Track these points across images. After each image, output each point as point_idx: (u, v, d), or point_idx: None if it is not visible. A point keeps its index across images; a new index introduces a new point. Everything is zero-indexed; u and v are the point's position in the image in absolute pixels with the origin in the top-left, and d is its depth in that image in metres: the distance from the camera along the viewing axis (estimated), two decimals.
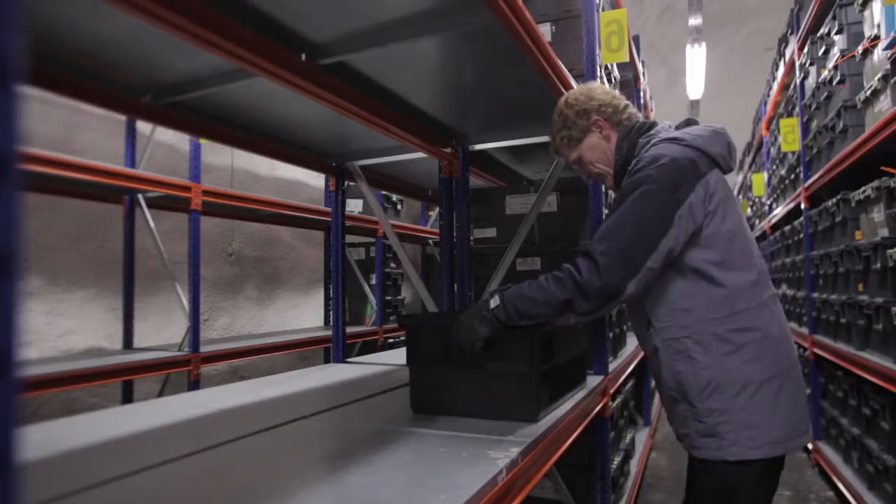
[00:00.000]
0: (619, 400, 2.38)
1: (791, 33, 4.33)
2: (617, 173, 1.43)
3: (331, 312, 2.55)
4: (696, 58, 8.79)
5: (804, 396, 1.29)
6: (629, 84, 3.96)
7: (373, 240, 4.60)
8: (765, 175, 6.01)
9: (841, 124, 2.93)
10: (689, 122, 1.39)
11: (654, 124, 1.40)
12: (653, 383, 4.31)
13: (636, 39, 4.07)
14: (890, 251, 2.19)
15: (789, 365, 1.25)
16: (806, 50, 3.70)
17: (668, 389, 1.34)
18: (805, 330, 3.82)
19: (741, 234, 1.28)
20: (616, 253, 1.19)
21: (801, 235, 3.95)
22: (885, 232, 2.35)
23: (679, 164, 1.23)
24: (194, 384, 2.84)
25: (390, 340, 4.48)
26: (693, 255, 1.24)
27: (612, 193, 2.44)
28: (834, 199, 3.03)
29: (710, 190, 1.24)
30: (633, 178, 1.27)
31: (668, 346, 1.29)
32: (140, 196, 3.11)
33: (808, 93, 3.75)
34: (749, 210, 8.15)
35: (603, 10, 2.48)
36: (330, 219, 2.53)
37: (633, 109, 1.47)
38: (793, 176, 4.42)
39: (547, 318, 1.23)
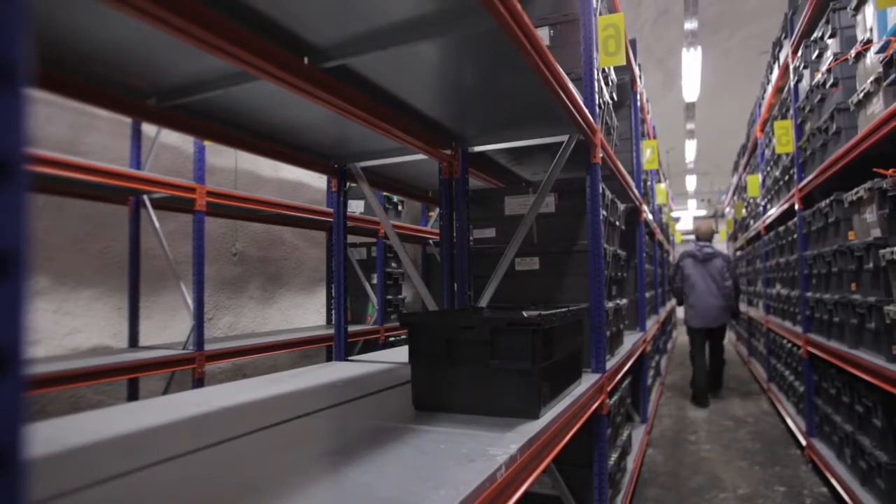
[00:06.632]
0: (616, 397, 2.41)
1: (785, 37, 4.36)
2: None
3: (332, 311, 2.58)
4: (691, 61, 8.82)
5: (704, 316, 5.49)
6: (626, 87, 3.99)
7: (374, 240, 4.64)
8: (759, 176, 6.03)
9: (834, 126, 2.96)
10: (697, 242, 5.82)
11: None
12: (649, 381, 4.39)
13: (633, 43, 4.10)
14: (882, 251, 2.22)
15: (690, 306, 5.61)
16: (800, 53, 3.74)
17: None
18: (799, 328, 3.85)
19: (692, 280, 5.59)
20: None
21: (795, 236, 3.99)
22: (877, 232, 2.38)
23: (677, 260, 5.93)
24: (198, 382, 2.87)
25: (391, 339, 4.51)
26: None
27: (609, 194, 2.50)
28: (827, 200, 3.06)
29: (682, 268, 5.72)
30: None
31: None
32: (145, 197, 3.14)
33: (801, 95, 3.79)
34: (744, 211, 8.18)
35: (600, 14, 2.52)
36: (332, 219, 2.56)
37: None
38: (787, 177, 4.45)
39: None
